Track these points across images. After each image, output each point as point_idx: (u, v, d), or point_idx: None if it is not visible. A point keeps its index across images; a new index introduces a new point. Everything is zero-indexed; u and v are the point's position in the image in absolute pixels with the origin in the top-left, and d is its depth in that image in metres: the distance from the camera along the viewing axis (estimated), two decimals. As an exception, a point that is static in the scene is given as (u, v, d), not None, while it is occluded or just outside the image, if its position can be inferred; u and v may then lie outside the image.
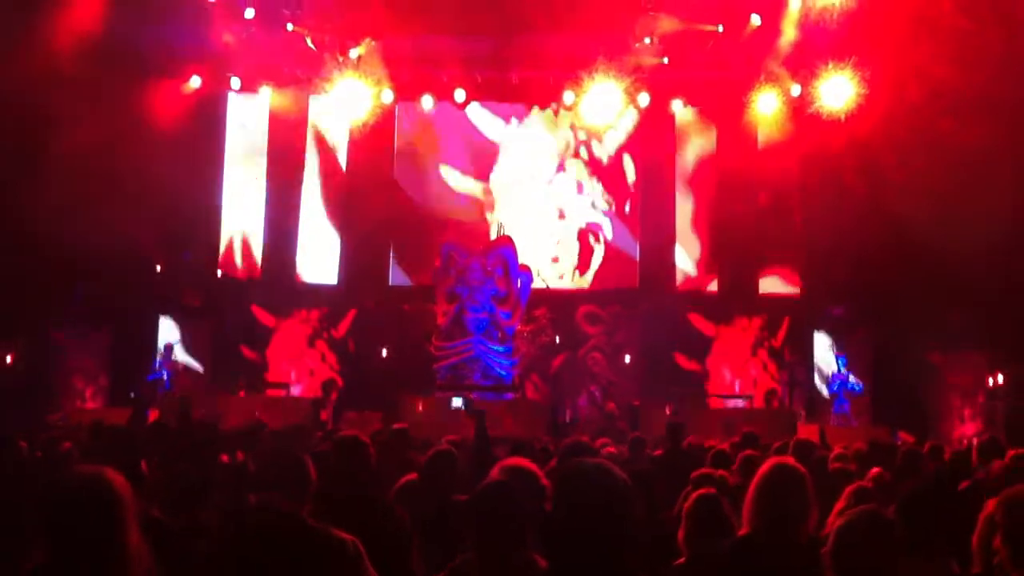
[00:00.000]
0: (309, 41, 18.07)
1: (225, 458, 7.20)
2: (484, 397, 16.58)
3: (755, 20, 16.78)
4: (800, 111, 18.50)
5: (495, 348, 17.64)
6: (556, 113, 20.41)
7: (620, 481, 2.72)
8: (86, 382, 18.24)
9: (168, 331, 18.72)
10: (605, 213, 20.43)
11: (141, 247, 17.88)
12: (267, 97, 19.65)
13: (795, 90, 18.57)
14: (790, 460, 4.09)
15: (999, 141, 14.85)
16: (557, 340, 19.23)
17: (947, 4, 14.35)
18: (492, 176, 20.42)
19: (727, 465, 6.96)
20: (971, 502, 4.84)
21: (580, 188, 20.46)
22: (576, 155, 20.53)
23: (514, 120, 20.52)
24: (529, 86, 19.82)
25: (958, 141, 14.78)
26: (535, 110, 20.46)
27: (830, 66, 17.17)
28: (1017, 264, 15.18)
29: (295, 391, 18.40)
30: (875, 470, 6.54)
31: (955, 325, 16.76)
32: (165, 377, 17.46)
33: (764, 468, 3.96)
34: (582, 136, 20.47)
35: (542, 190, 20.39)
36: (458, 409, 15.32)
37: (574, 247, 20.32)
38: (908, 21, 14.75)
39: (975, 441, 8.85)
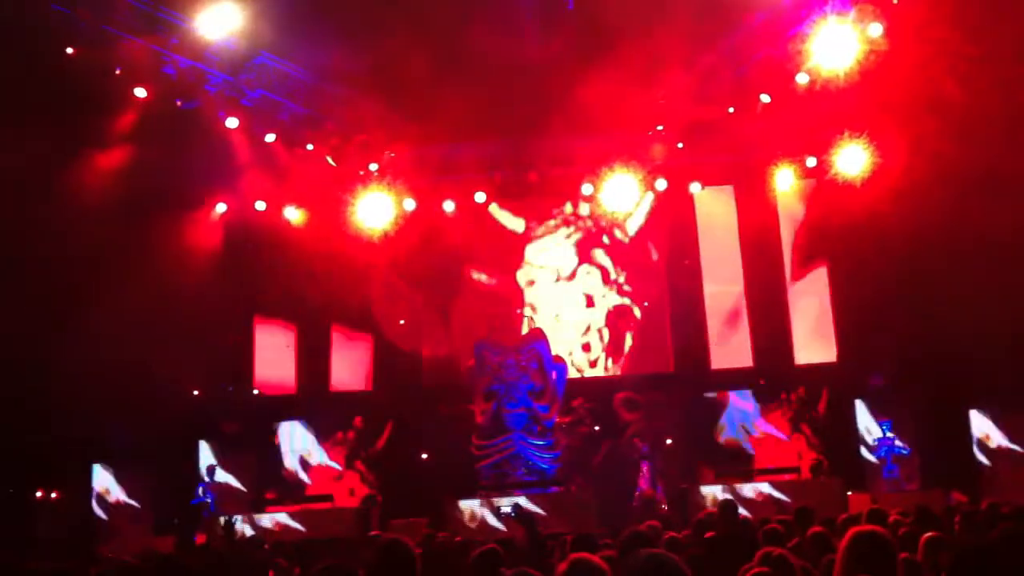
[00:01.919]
0: (330, 159, 18.51)
1: (272, 574, 7.23)
2: (529, 492, 16.49)
3: (764, 99, 17.04)
4: (818, 182, 18.71)
5: (536, 442, 17.59)
6: (576, 206, 20.70)
7: (680, 568, 2.79)
8: (131, 514, 18.28)
9: (208, 455, 18.79)
10: (632, 297, 20.54)
11: (180, 375, 18.11)
12: (293, 216, 20.01)
13: (810, 162, 18.82)
14: (878, 528, 4.07)
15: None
16: (596, 429, 19.13)
17: (948, 81, 14.61)
18: (519, 272, 20.66)
19: (780, 541, 6.91)
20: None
21: (606, 275, 20.62)
22: (599, 244, 20.75)
23: (534, 221, 20.84)
24: (547, 184, 20.16)
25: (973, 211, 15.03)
26: (554, 209, 20.81)
27: (844, 135, 17.44)
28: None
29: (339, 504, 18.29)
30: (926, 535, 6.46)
31: (998, 385, 16.66)
32: (209, 500, 17.48)
33: (849, 535, 3.95)
34: (603, 224, 20.70)
35: (567, 283, 20.57)
36: (507, 515, 15.24)
37: (605, 333, 20.40)
38: (912, 93, 15.02)
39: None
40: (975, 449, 17.62)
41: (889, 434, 17.07)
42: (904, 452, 17.15)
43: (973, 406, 17.61)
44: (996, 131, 14.59)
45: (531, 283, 20.63)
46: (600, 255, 20.74)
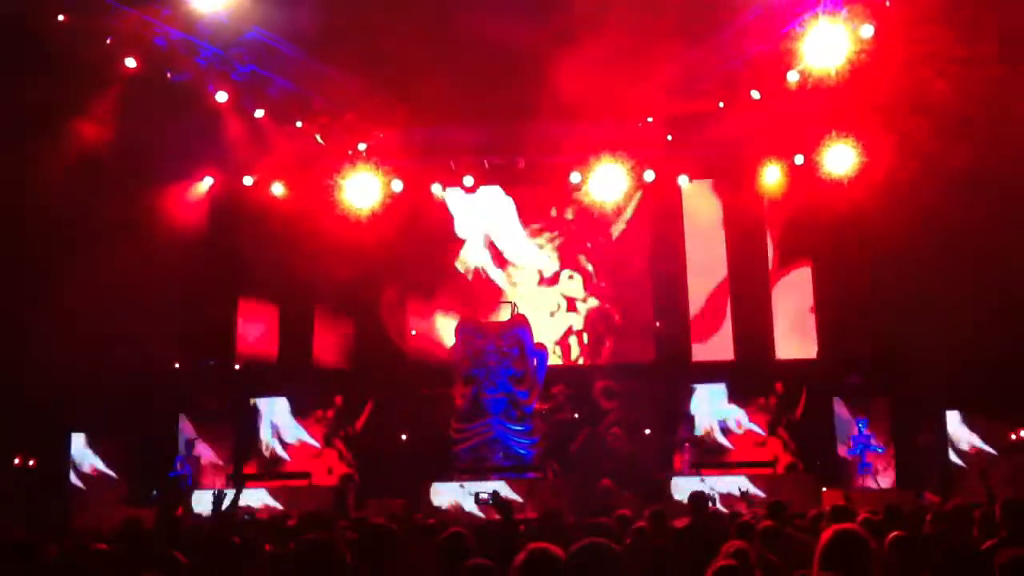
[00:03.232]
0: (319, 137, 18.49)
1: (269, 547, 7.26)
2: (506, 477, 16.56)
3: (754, 94, 17.07)
4: (804, 180, 18.79)
5: (515, 428, 17.65)
6: (561, 209, 20.78)
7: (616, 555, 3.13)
8: (108, 484, 18.26)
9: (188, 428, 18.78)
10: (615, 297, 20.63)
11: (160, 348, 18.10)
12: (280, 193, 19.99)
13: (798, 159, 18.90)
14: (853, 527, 4.12)
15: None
16: (576, 416, 19.21)
17: (936, 81, 14.69)
18: (502, 272, 20.75)
19: (751, 535, 6.97)
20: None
21: (588, 280, 20.71)
22: (582, 249, 20.82)
23: (519, 220, 20.86)
24: (535, 170, 20.22)
25: (956, 211, 15.16)
26: (540, 208, 20.89)
27: (832, 134, 17.52)
28: (1019, 324, 15.45)
29: (317, 482, 18.33)
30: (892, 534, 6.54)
31: (972, 386, 16.80)
32: (187, 473, 17.49)
33: (827, 534, 4.00)
34: (587, 225, 20.78)
35: (550, 286, 20.72)
36: (485, 501, 15.31)
37: (584, 337, 20.54)
38: (901, 93, 15.10)
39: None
40: (950, 450, 17.75)
41: (865, 432, 17.19)
42: (879, 450, 17.29)
43: (950, 407, 17.74)
44: (982, 132, 14.69)
45: (513, 284, 20.68)
46: (582, 260, 20.80)
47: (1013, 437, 17.25)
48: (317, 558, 3.74)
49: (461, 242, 20.87)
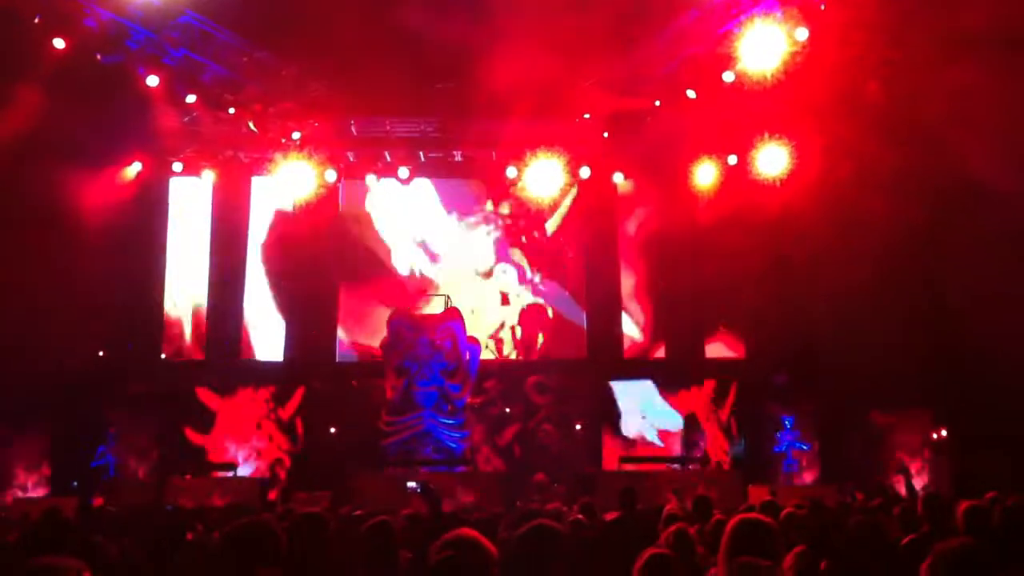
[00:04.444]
0: (251, 124, 18.21)
1: (190, 536, 7.15)
2: (436, 471, 16.51)
3: (690, 94, 17.20)
4: (738, 180, 18.99)
5: (446, 421, 17.59)
6: (497, 204, 20.74)
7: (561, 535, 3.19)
8: (28, 472, 17.85)
9: (113, 417, 18.43)
10: (548, 293, 20.66)
11: (85, 335, 17.71)
12: (210, 180, 19.73)
13: (732, 160, 19.10)
14: (759, 516, 4.20)
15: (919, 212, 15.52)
16: (507, 411, 19.23)
17: (872, 83, 14.95)
18: (435, 264, 20.65)
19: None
20: (918, 556, 4.96)
21: (522, 275, 20.72)
22: (517, 243, 20.82)
23: (455, 213, 20.78)
24: (472, 164, 20.20)
25: (885, 212, 15.41)
26: (475, 202, 20.82)
27: (765, 136, 17.74)
28: (944, 324, 15.78)
29: (243, 472, 18.15)
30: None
31: (897, 386, 17.13)
32: (110, 463, 17.16)
33: (733, 522, 4.07)
34: (522, 223, 20.79)
35: (484, 280, 20.65)
36: (413, 490, 15.21)
37: (518, 331, 20.52)
38: (834, 96, 15.35)
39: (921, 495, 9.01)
40: (875, 448, 18.10)
41: (791, 430, 17.46)
42: (804, 447, 17.58)
43: (874, 406, 18.08)
44: (912, 134, 14.96)
45: (447, 276, 20.59)
46: (517, 255, 20.80)
47: (935, 436, 17.66)
48: (254, 537, 3.67)
49: (394, 234, 20.72)
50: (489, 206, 20.89)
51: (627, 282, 20.65)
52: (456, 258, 20.73)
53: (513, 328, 20.57)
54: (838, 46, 14.59)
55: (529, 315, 20.58)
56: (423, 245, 20.71)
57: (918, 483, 17.33)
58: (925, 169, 15.24)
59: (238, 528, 3.74)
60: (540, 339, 20.53)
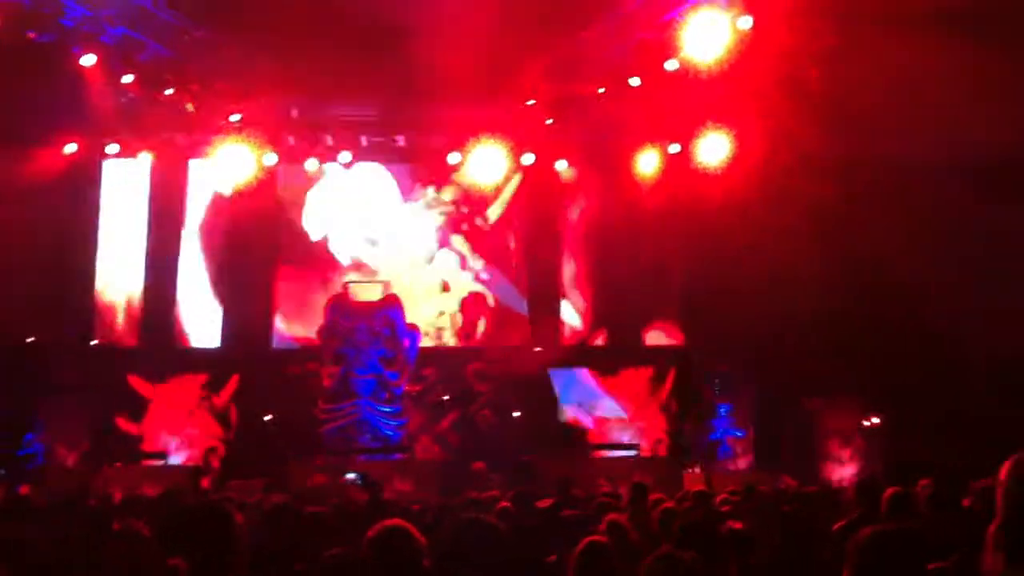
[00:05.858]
0: (189, 106, 17.85)
1: (118, 526, 6.96)
2: (373, 459, 16.39)
3: (634, 81, 17.20)
4: (680, 169, 19.04)
5: (383, 409, 17.48)
6: (439, 189, 20.58)
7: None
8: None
9: (41, 404, 18.01)
10: (490, 281, 20.57)
11: (13, 320, 17.26)
12: (146, 162, 19.33)
13: (673, 148, 19.14)
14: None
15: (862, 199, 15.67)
16: (446, 399, 19.13)
17: (814, 70, 15.05)
18: (375, 250, 20.42)
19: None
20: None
21: (464, 262, 20.60)
22: (458, 230, 20.67)
23: (398, 196, 20.57)
24: (415, 149, 20.07)
25: (822, 198, 15.54)
26: (417, 188, 20.58)
27: (707, 125, 17.80)
28: (878, 311, 15.98)
29: (176, 461, 17.84)
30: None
31: (830, 373, 17.31)
32: (38, 451, 16.79)
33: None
34: (464, 210, 20.65)
35: (425, 267, 20.46)
36: (353, 481, 15.06)
37: (459, 319, 20.40)
38: (776, 83, 15.42)
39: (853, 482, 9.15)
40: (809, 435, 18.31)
41: (727, 416, 17.61)
42: (739, 434, 17.72)
43: (808, 394, 18.27)
44: (855, 121, 15.06)
45: (387, 262, 20.36)
46: (459, 241, 20.66)
47: (866, 423, 17.91)
48: (206, 518, 3.51)
49: (334, 219, 20.47)
50: (431, 192, 20.71)
51: (569, 270, 20.65)
52: (397, 244, 20.51)
53: (454, 316, 20.47)
54: (781, 33, 14.64)
55: (470, 302, 20.48)
56: (363, 231, 20.47)
57: (849, 470, 17.64)
58: (867, 156, 15.35)
59: (188, 513, 3.58)
60: (481, 326, 20.44)
